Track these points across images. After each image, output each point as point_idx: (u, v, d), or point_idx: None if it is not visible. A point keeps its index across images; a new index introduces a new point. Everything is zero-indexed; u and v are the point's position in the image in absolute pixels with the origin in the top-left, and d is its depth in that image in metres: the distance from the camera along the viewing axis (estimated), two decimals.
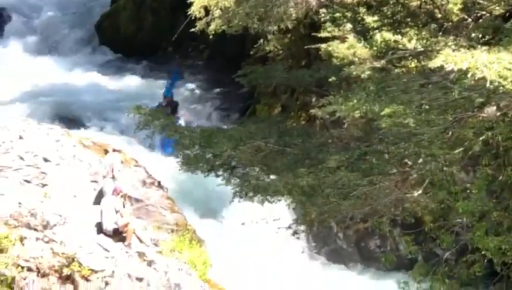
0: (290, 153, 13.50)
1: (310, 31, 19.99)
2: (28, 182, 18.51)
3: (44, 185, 18.65)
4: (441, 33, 12.94)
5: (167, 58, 34.63)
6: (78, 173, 19.76)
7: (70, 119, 29.03)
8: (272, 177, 13.88)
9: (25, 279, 15.76)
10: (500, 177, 10.08)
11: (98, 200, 18.84)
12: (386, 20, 14.19)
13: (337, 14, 15.89)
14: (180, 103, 29.81)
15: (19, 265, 15.89)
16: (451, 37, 12.33)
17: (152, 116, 13.46)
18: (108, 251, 17.28)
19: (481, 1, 12.76)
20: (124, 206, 17.95)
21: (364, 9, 14.98)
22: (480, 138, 9.99)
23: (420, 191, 11.71)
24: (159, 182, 22.74)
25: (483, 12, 12.91)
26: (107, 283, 16.19)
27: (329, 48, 15.46)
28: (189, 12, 16.17)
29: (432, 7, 13.68)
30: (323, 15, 17.26)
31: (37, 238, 16.59)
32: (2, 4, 39.50)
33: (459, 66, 9.40)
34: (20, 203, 17.40)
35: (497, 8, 12.36)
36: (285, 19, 14.73)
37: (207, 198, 24.09)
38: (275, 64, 22.66)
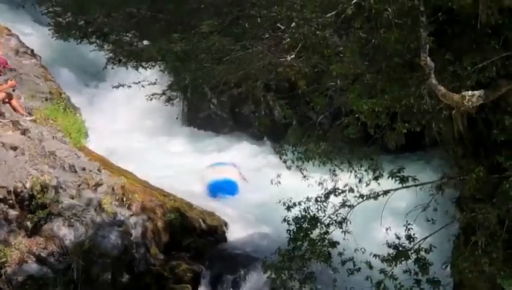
0: (163, 19, 12.98)
1: None
2: None
3: None
4: None
5: None
6: None
7: None
8: (146, 43, 13.37)
9: None
10: (373, 40, 9.72)
11: None
12: None
13: None
14: None
15: None
16: None
17: None
18: None
19: None
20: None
21: None
22: (353, 1, 9.59)
23: (293, 55, 11.38)
24: (32, 51, 21.98)
25: None
26: None
27: None
28: None
29: None
30: None
31: None
32: None
33: None
34: None
35: None
36: None
37: (80, 66, 23.39)
38: None
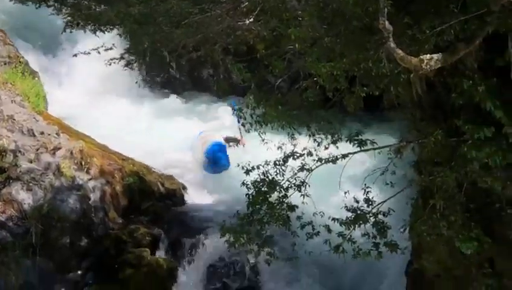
0: None
1: None
2: None
3: None
4: None
5: None
6: None
7: None
8: (104, 6, 13.05)
9: None
10: (331, 4, 9.52)
11: None
12: None
13: None
14: None
15: None
16: None
17: None
18: None
19: None
20: None
21: None
22: None
23: (252, 19, 11.21)
24: None
25: None
26: None
27: None
28: None
29: None
30: None
31: None
32: None
33: None
34: None
35: None
36: None
37: (39, 30, 22.94)
38: None
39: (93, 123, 19.01)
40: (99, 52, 12.99)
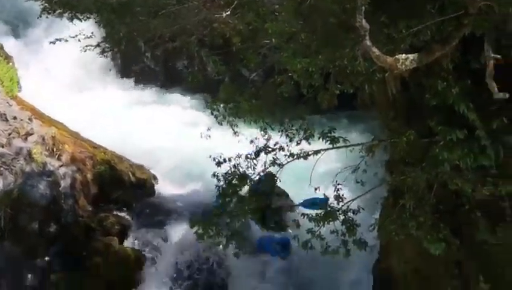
0: None
1: None
2: None
3: None
4: None
5: None
6: None
7: None
8: None
9: None
10: (309, 0, 9.41)
11: None
12: None
13: None
14: None
15: None
16: None
17: None
18: None
19: None
20: None
21: None
22: None
23: (229, 12, 11.09)
24: None
25: None
26: None
27: None
28: None
29: None
30: None
31: None
32: None
33: None
34: None
35: None
36: None
37: (15, 14, 22.70)
38: None
39: (65, 110, 18.74)
40: (79, 40, 12.82)
